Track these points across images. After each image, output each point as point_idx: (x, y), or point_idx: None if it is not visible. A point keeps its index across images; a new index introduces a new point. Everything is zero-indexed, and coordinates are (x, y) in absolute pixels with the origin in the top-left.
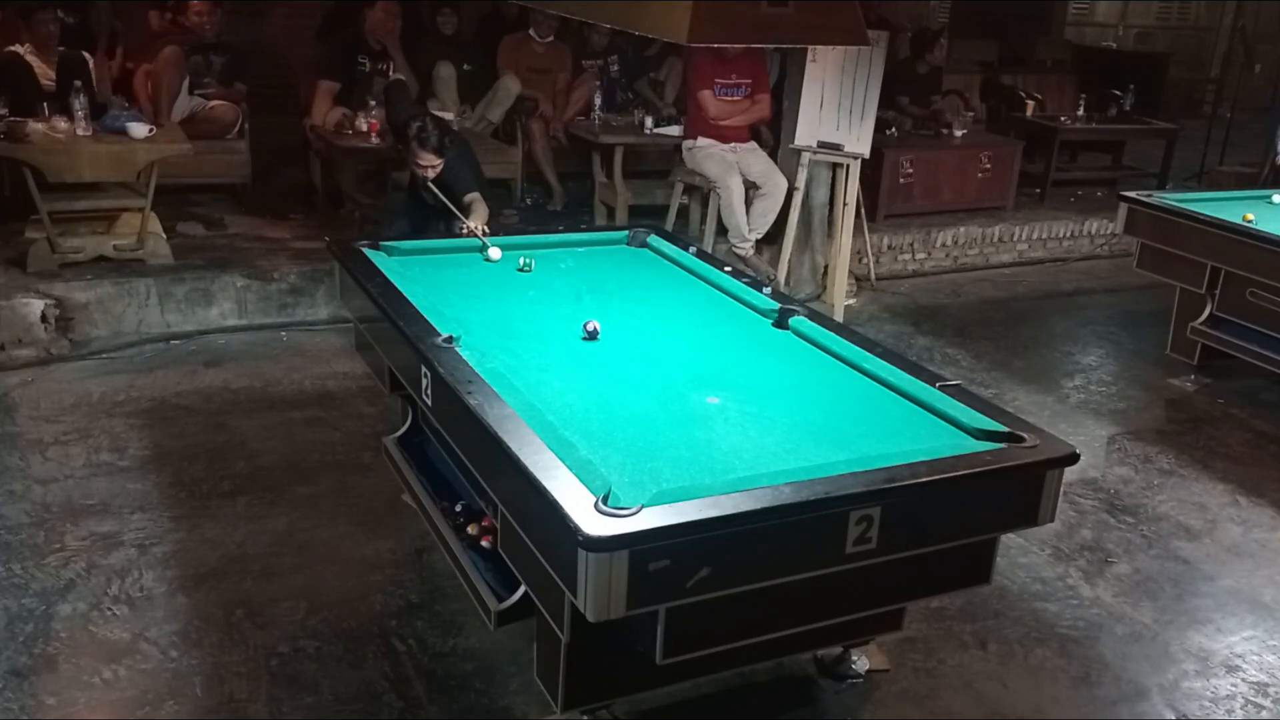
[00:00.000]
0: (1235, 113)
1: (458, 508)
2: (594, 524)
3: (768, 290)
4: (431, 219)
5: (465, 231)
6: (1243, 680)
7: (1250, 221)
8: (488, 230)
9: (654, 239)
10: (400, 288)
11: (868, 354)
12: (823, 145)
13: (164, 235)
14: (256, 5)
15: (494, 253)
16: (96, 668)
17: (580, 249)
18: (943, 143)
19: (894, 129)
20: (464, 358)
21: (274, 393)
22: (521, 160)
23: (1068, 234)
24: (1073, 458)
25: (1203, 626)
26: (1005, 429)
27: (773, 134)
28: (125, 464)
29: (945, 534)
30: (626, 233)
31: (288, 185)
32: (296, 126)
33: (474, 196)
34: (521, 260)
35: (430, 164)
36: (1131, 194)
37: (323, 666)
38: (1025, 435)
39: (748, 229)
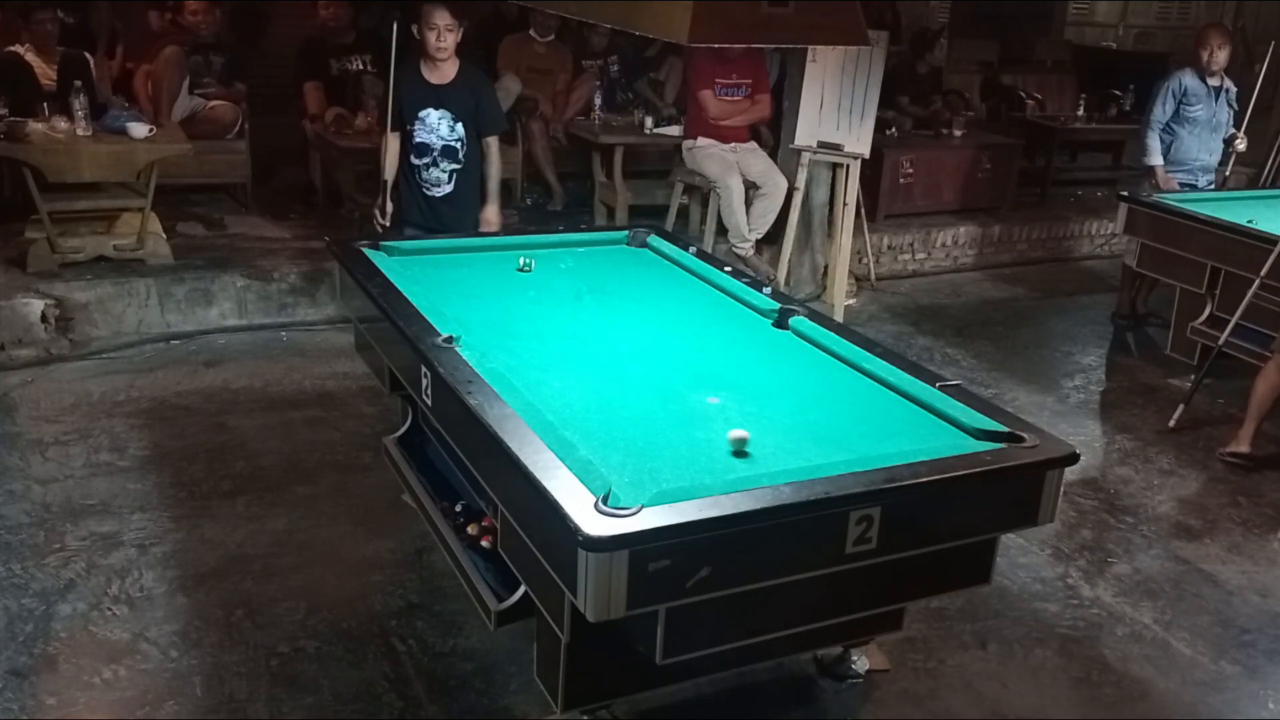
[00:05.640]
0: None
1: (458, 508)
2: (594, 524)
3: (768, 290)
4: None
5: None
6: (1243, 680)
7: (1252, 223)
8: (530, 263)
9: (654, 239)
10: (400, 288)
11: (868, 354)
12: (823, 145)
13: (164, 235)
14: (257, 5)
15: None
16: (96, 668)
17: (580, 249)
18: (943, 143)
19: (894, 129)
20: (464, 358)
21: (274, 393)
22: (521, 160)
23: (1068, 234)
24: (1073, 458)
25: (1203, 626)
26: (1005, 429)
27: (773, 134)
28: (125, 464)
29: (945, 534)
30: (626, 233)
31: (288, 185)
32: (296, 126)
33: (496, 141)
34: (521, 260)
35: (445, 24)
36: (1131, 194)
37: (323, 666)
38: (1025, 435)
39: (748, 229)
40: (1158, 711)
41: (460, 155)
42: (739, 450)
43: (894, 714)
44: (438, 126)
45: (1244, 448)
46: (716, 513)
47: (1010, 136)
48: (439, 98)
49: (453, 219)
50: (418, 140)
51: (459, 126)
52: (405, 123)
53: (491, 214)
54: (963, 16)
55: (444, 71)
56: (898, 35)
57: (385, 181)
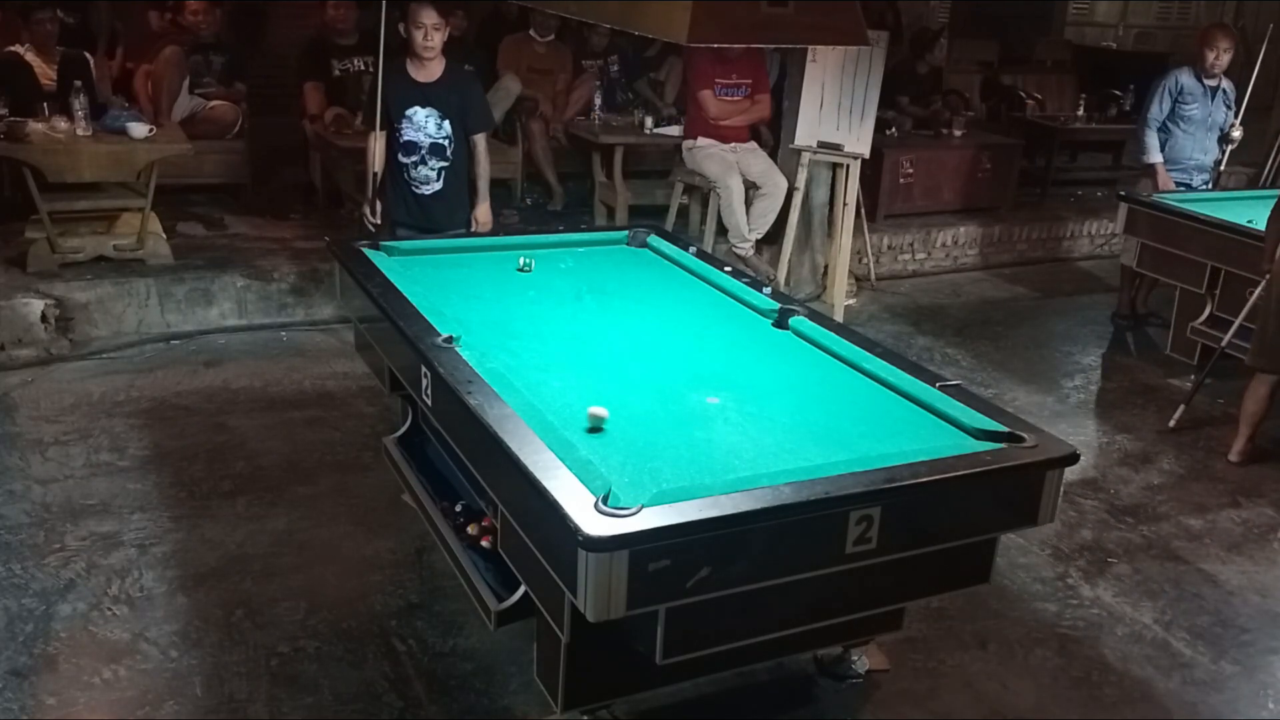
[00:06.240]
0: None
1: (458, 508)
2: (594, 524)
3: (768, 290)
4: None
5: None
6: (1243, 680)
7: (1252, 223)
8: (530, 263)
9: (654, 239)
10: (400, 288)
11: (868, 354)
12: (823, 145)
13: (164, 235)
14: (257, 5)
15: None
16: (96, 668)
17: (580, 249)
18: (943, 143)
19: (894, 129)
20: (464, 358)
21: (274, 393)
22: (521, 160)
23: (1068, 234)
24: (1073, 458)
25: (1203, 626)
26: (1005, 429)
27: (773, 134)
28: (125, 464)
29: (945, 534)
30: (626, 233)
31: (288, 185)
32: (296, 126)
33: (483, 139)
34: (521, 260)
35: (433, 23)
36: (1130, 194)
37: (323, 666)
38: (1025, 435)
39: (748, 229)
40: (1158, 711)
41: (448, 153)
42: (595, 426)
43: (894, 714)
44: (425, 124)
45: (1232, 458)
46: (716, 513)
47: (1010, 136)
48: (425, 96)
49: (442, 217)
50: (405, 139)
51: (446, 124)
52: (393, 121)
53: (483, 213)
54: (963, 16)
55: (431, 70)
56: (898, 35)
57: (375, 174)
